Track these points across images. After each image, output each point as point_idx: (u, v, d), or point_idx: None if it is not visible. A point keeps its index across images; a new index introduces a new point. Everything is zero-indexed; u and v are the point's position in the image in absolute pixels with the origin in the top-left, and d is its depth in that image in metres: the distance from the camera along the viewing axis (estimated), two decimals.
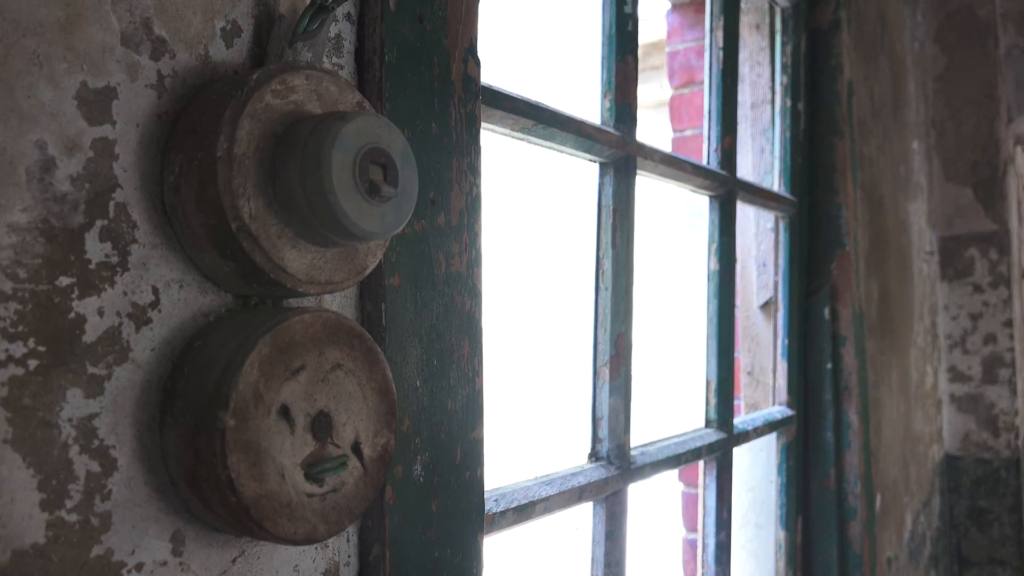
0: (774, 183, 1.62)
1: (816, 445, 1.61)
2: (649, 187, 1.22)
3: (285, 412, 0.49)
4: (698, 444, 1.22)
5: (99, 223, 0.46)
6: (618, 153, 1.03)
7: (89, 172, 0.45)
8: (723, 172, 1.31)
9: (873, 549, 1.65)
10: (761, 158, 1.67)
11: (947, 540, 2.60)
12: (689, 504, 2.02)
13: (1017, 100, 2.74)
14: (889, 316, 1.98)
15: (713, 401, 1.32)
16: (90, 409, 0.45)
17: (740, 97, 1.65)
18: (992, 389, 2.66)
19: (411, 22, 0.63)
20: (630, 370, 1.04)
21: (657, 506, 5.02)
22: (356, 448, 0.53)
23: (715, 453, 1.27)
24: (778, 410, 1.57)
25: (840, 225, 1.62)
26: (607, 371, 1.03)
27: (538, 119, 0.87)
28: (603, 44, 1.06)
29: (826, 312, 1.62)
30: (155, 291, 0.48)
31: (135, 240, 0.47)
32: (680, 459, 1.15)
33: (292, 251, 0.49)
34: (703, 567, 1.31)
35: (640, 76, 1.07)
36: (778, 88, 1.61)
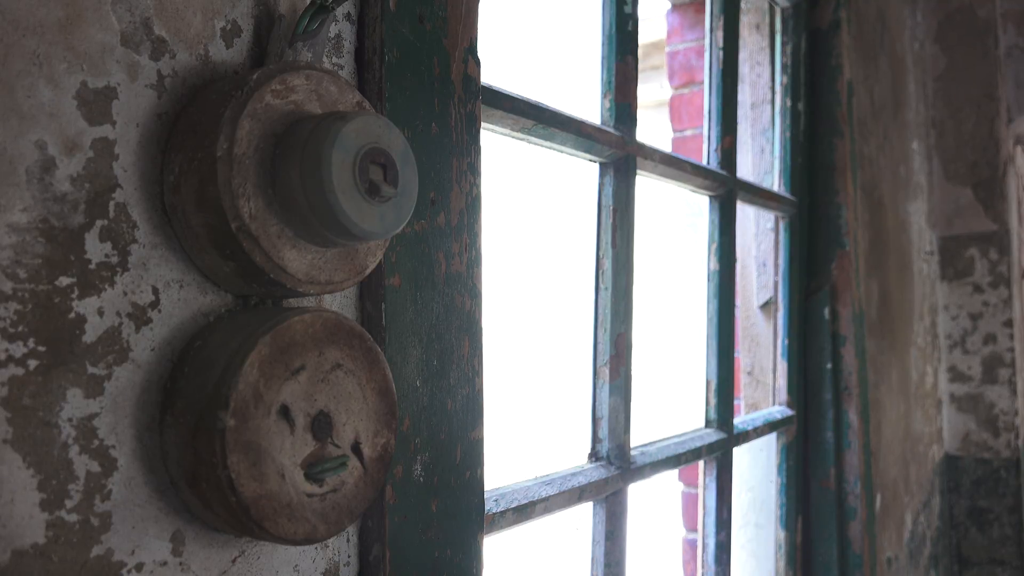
0: (774, 183, 1.62)
1: (816, 445, 1.61)
2: (649, 187, 1.23)
3: (285, 412, 0.49)
4: (698, 444, 1.22)
5: (99, 223, 0.46)
6: (618, 153, 1.03)
7: (89, 172, 0.45)
8: (723, 172, 1.31)
9: (873, 549, 1.65)
10: (761, 158, 1.67)
11: (947, 540, 2.60)
12: (689, 504, 2.02)
13: (1017, 100, 2.74)
14: (889, 316, 1.98)
15: (713, 401, 1.32)
16: (90, 409, 0.45)
17: (740, 97, 1.65)
18: (992, 389, 2.66)
19: (411, 22, 0.63)
20: (630, 370, 1.04)
21: (657, 506, 5.02)
22: (356, 448, 0.53)
23: (715, 453, 1.27)
24: (778, 410, 1.57)
25: (840, 225, 1.62)
26: (607, 371, 1.03)
27: (538, 119, 0.87)
28: (603, 44, 1.06)
29: (826, 312, 1.62)
30: (155, 291, 0.48)
31: (135, 240, 0.47)
32: (680, 459, 1.15)
33: (292, 251, 0.49)
34: (703, 567, 1.31)
35: (640, 76, 1.07)
36: (778, 88, 1.61)
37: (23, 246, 0.42)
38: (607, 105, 1.05)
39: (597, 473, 0.98)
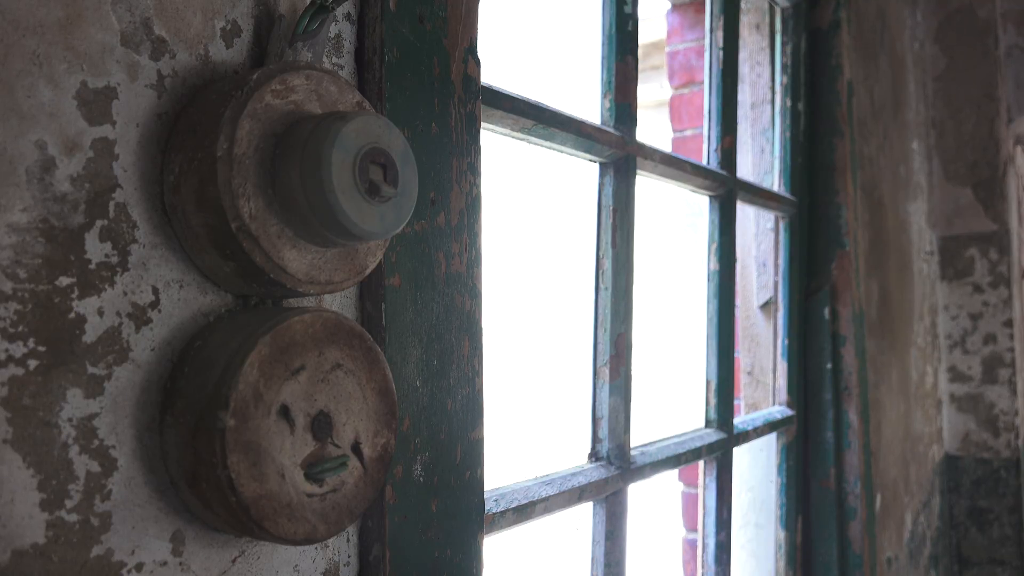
0: (774, 183, 1.62)
1: (816, 445, 1.61)
2: (649, 187, 1.23)
3: (285, 412, 0.49)
4: (698, 444, 1.22)
5: (99, 223, 0.46)
6: (618, 153, 1.03)
7: (89, 172, 0.45)
8: (723, 172, 1.31)
9: (873, 549, 1.65)
10: (761, 158, 1.67)
11: (947, 540, 2.60)
12: (689, 504, 2.02)
13: (1017, 100, 2.74)
14: (889, 316, 1.98)
15: (713, 401, 1.32)
16: (90, 409, 0.45)
17: (740, 97, 1.65)
18: (992, 389, 2.66)
19: (411, 22, 0.63)
20: (630, 370, 1.04)
21: (657, 506, 5.02)
22: (356, 448, 0.53)
23: (715, 453, 1.27)
24: (778, 410, 1.57)
25: (840, 225, 1.62)
26: (607, 371, 1.03)
27: (538, 119, 0.87)
28: (603, 44, 1.06)
29: (826, 312, 1.62)
30: (155, 291, 0.48)
31: (135, 240, 0.47)
32: (680, 459, 1.15)
33: (292, 251, 0.49)
34: (703, 567, 1.31)
35: (640, 76, 1.07)
36: (778, 88, 1.61)
37: (23, 246, 0.42)
38: (607, 105, 1.05)
39: (597, 473, 0.98)
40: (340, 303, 0.60)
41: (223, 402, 0.46)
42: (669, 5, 2.02)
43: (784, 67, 1.61)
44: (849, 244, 1.62)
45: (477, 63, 0.70)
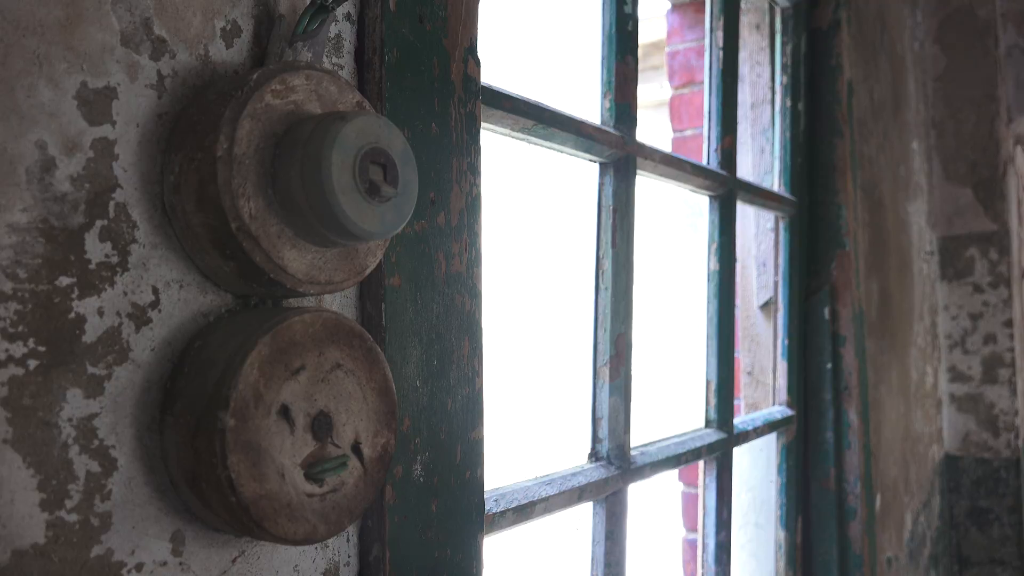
0: (774, 183, 1.62)
1: (816, 445, 1.61)
2: (649, 187, 1.23)
3: (285, 412, 0.49)
4: (698, 444, 1.22)
5: (99, 223, 0.46)
6: (618, 153, 1.03)
7: (89, 172, 0.45)
8: (723, 172, 1.31)
9: (873, 549, 1.65)
10: (761, 158, 1.67)
11: (947, 540, 2.60)
12: (689, 504, 2.02)
13: (1017, 100, 2.74)
14: (889, 316, 1.98)
15: (713, 401, 1.32)
16: (90, 409, 0.45)
17: (740, 97, 1.65)
18: (992, 389, 2.65)
19: (411, 22, 0.63)
20: (630, 370, 1.04)
21: (657, 506, 5.02)
22: (356, 448, 0.53)
23: (715, 453, 1.27)
24: (778, 410, 1.57)
25: (840, 225, 1.62)
26: (607, 371, 1.03)
27: (538, 119, 0.87)
28: (603, 44, 1.06)
29: (826, 312, 1.62)
30: (155, 291, 0.48)
31: (135, 240, 0.47)
32: (680, 459, 1.15)
33: (292, 251, 0.49)
34: (703, 567, 1.31)
35: (640, 76, 1.07)
36: (778, 88, 1.61)
37: (23, 246, 0.42)
38: (607, 105, 1.05)
39: (597, 473, 0.98)
40: (340, 303, 0.60)
41: (223, 402, 0.46)
42: (669, 5, 2.02)
43: (784, 67, 1.61)
44: (849, 244, 1.62)
45: (477, 63, 0.70)
